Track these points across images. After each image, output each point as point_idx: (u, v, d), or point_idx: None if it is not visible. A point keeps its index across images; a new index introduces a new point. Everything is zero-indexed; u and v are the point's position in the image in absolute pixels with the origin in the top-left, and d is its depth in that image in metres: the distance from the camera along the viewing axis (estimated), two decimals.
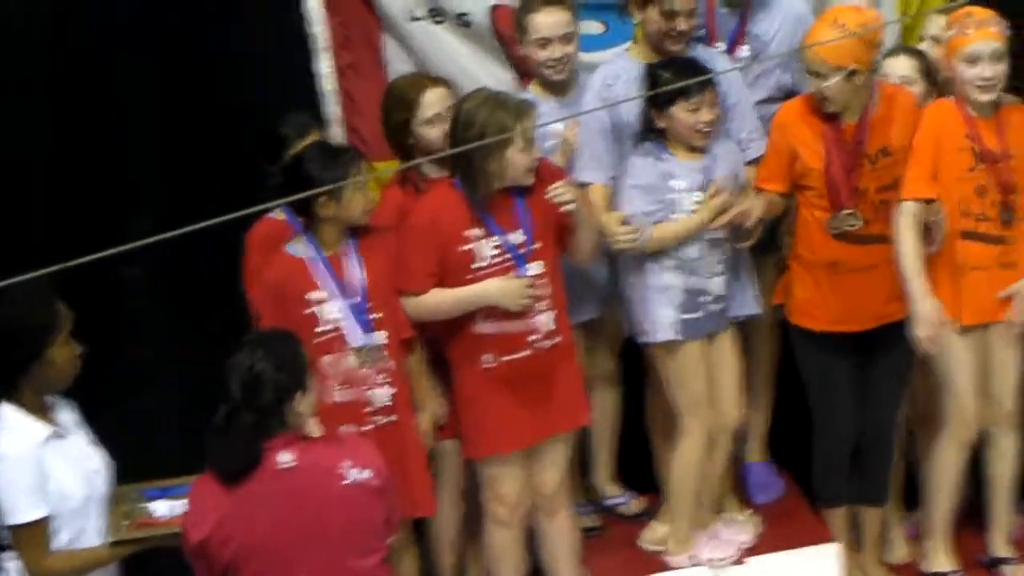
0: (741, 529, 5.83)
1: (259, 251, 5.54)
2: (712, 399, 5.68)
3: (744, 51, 5.86)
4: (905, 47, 5.90)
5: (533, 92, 5.67)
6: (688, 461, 5.72)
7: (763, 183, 5.62)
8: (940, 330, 5.50)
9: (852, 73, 5.38)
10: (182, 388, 6.22)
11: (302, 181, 5.15)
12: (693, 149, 5.58)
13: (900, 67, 5.72)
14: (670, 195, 5.53)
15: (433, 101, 5.54)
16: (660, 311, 5.58)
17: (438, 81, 5.65)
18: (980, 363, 5.65)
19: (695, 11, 5.65)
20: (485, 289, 5.30)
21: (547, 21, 5.67)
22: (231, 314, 5.78)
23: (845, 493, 5.88)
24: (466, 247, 5.32)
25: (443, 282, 5.34)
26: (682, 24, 5.62)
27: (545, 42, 5.68)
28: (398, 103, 5.61)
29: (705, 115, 5.51)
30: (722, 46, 5.87)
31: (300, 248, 5.31)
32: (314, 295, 5.28)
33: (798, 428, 5.88)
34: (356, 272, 5.30)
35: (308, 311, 5.26)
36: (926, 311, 5.48)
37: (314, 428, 4.74)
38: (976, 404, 5.69)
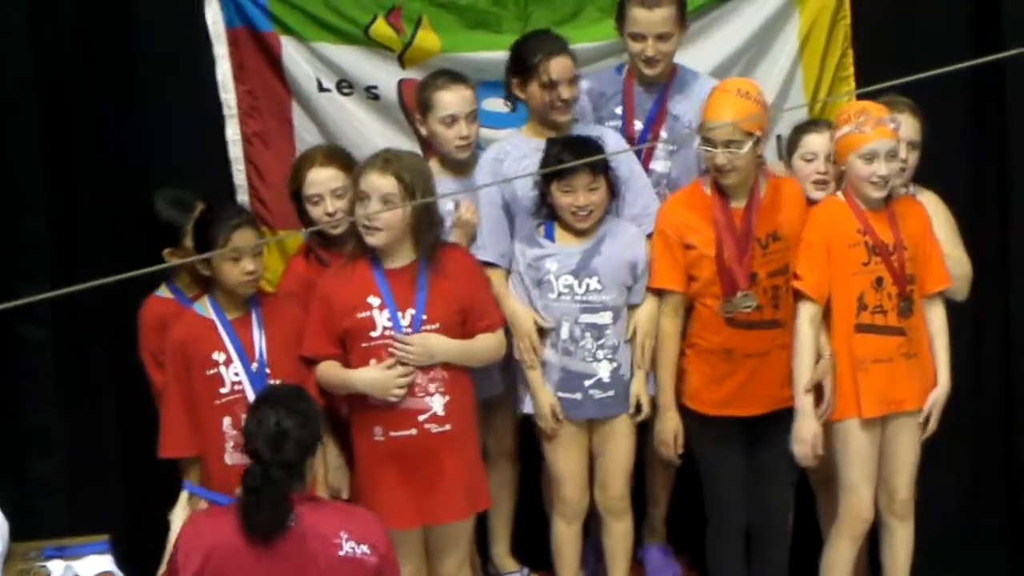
0: None
1: (152, 332, 5.57)
2: (599, 481, 5.74)
3: (664, 132, 5.88)
4: (828, 122, 5.87)
5: (432, 168, 5.65)
6: (556, 534, 5.82)
7: (662, 283, 5.64)
8: (816, 450, 5.58)
9: (757, 141, 5.46)
10: (69, 451, 6.21)
11: (204, 240, 5.29)
12: (577, 231, 5.61)
13: (826, 145, 5.69)
14: (545, 277, 5.59)
15: (316, 180, 5.57)
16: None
17: (332, 158, 5.64)
18: (876, 453, 5.66)
19: (576, 79, 5.69)
20: (358, 378, 5.33)
21: (454, 99, 5.70)
22: (123, 381, 5.87)
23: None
24: (365, 314, 5.35)
25: (346, 348, 5.36)
26: (564, 92, 5.65)
27: (452, 119, 5.69)
28: (293, 173, 5.68)
29: (580, 199, 5.54)
30: (639, 126, 5.89)
31: (204, 308, 5.37)
32: (219, 356, 5.32)
33: (697, 511, 5.87)
34: (256, 337, 5.34)
35: (212, 372, 5.32)
36: (806, 431, 5.57)
37: (320, 487, 4.86)
38: (871, 497, 5.70)
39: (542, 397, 5.62)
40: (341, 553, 4.65)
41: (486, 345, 5.46)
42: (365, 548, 4.68)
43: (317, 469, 4.78)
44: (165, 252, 5.49)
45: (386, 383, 5.30)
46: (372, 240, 5.31)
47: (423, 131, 5.80)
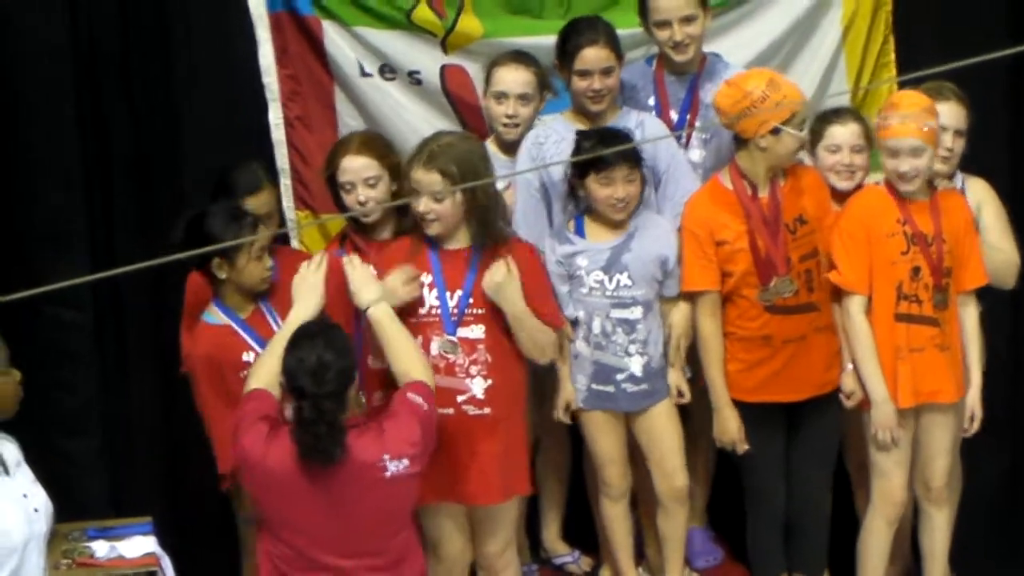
0: None
1: (196, 297, 5.62)
2: (660, 471, 5.81)
3: (697, 122, 5.93)
4: (853, 112, 5.96)
5: (489, 148, 5.74)
6: (605, 514, 5.92)
7: (697, 285, 5.69)
8: (896, 432, 5.64)
9: None
10: (108, 432, 6.32)
11: (202, 237, 5.30)
12: (610, 225, 5.66)
13: (851, 135, 5.78)
14: (576, 272, 5.67)
15: (349, 168, 5.62)
16: (573, 376, 5.74)
17: (368, 147, 5.67)
18: (910, 440, 5.74)
19: (612, 70, 5.73)
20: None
21: (508, 77, 5.80)
22: (160, 362, 6.04)
23: (781, 563, 5.96)
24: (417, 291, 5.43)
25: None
26: (597, 83, 5.71)
27: (502, 96, 5.80)
28: (329, 157, 5.74)
29: (619, 191, 5.59)
30: (674, 116, 5.93)
31: (217, 317, 5.45)
32: (248, 356, 5.40)
33: (737, 497, 5.95)
34: (275, 328, 5.40)
35: (245, 373, 5.37)
36: (887, 419, 5.62)
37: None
38: (904, 481, 5.77)
39: (563, 391, 5.74)
40: (387, 475, 4.86)
41: (541, 328, 5.45)
42: (406, 462, 4.87)
43: (354, 396, 4.93)
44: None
45: (394, 288, 5.36)
46: (430, 231, 5.40)
47: (483, 105, 5.93)
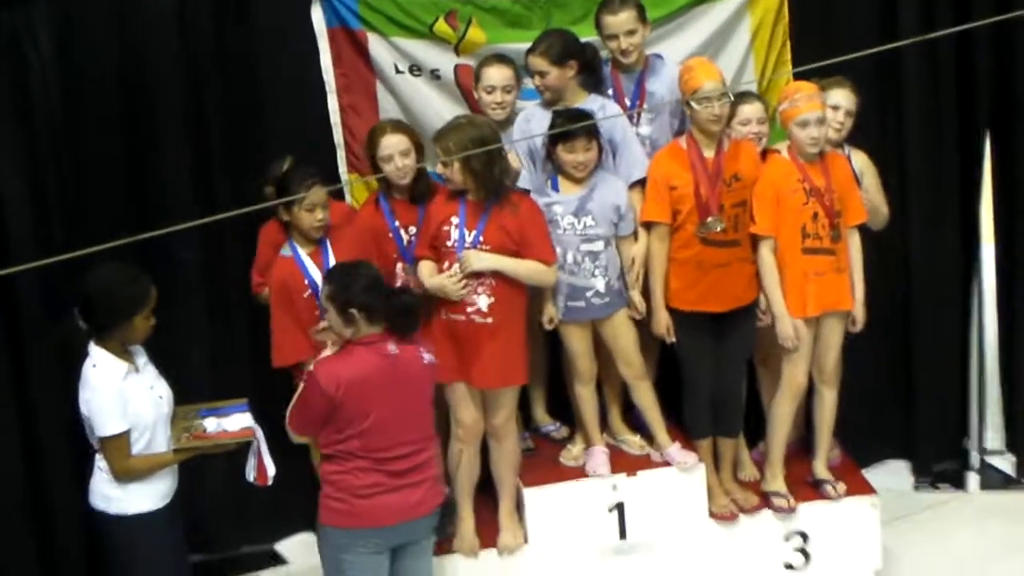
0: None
1: (265, 246, 6.50)
2: (623, 361, 6.75)
3: (645, 105, 6.80)
4: (755, 94, 6.80)
5: None
6: (578, 396, 6.89)
7: (652, 216, 6.57)
8: (798, 338, 6.56)
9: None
10: (214, 346, 7.12)
11: (282, 188, 6.22)
12: (576, 181, 6.53)
13: (756, 111, 6.70)
14: (554, 218, 6.58)
15: (387, 144, 6.40)
16: (554, 297, 6.66)
17: (399, 128, 6.43)
18: (812, 339, 6.70)
19: (546, 73, 6.55)
20: (432, 282, 6.39)
21: (494, 73, 6.69)
22: (247, 294, 6.80)
23: (708, 429, 6.91)
24: (446, 228, 6.31)
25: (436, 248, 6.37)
26: (537, 81, 6.60)
27: (491, 89, 6.65)
28: (368, 140, 6.51)
29: (579, 156, 6.47)
30: (628, 102, 6.79)
31: (288, 251, 6.35)
32: (307, 280, 6.30)
33: (676, 383, 6.90)
34: (329, 263, 6.30)
35: (307, 294, 6.28)
36: (788, 329, 6.57)
37: None
38: (806, 369, 6.70)
39: (547, 309, 6.60)
40: (424, 362, 5.74)
41: (530, 267, 6.30)
42: (432, 356, 5.79)
43: None
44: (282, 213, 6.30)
45: (445, 286, 6.30)
46: (450, 185, 6.37)
47: (475, 96, 6.69)
